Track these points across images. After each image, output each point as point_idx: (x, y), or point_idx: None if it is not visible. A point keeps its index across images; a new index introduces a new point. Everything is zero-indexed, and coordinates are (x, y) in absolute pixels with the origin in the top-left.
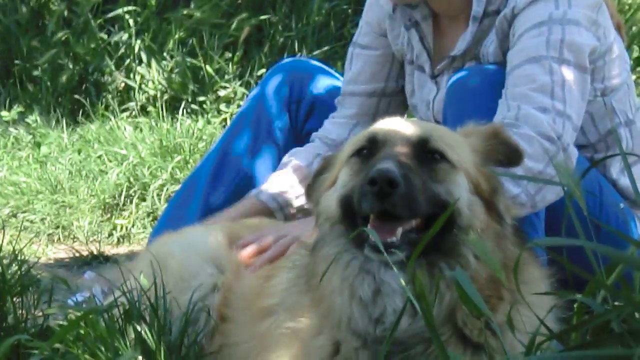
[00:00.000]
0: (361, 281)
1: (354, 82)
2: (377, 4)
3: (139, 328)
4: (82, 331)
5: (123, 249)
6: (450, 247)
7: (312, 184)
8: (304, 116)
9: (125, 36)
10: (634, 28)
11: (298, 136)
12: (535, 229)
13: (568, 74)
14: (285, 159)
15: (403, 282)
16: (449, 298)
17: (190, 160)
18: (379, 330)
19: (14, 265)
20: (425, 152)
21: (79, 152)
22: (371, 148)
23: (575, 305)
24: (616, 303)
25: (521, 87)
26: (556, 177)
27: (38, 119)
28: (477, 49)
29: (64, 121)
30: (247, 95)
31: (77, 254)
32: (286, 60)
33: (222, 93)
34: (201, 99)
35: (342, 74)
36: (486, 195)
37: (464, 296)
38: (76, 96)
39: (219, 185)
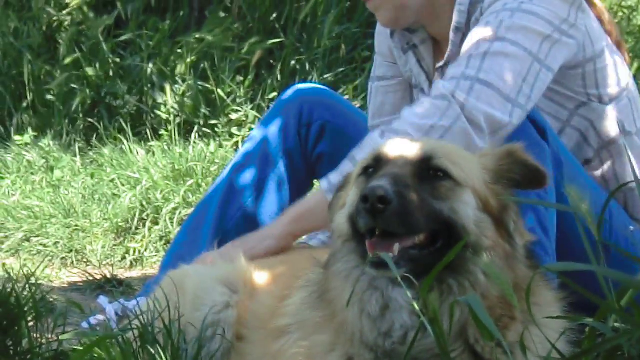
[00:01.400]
0: (370, 296)
1: (379, 115)
2: (385, 33)
3: (152, 352)
4: (96, 355)
5: (136, 273)
6: (458, 264)
7: (332, 202)
8: (314, 140)
9: (137, 60)
10: None
11: (308, 160)
12: (546, 251)
13: (499, 48)
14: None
15: (414, 304)
16: (460, 315)
17: (203, 184)
18: (387, 344)
19: (27, 289)
20: (428, 170)
21: (92, 176)
22: (376, 167)
23: (586, 330)
24: (627, 327)
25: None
26: (452, 126)
27: (51, 143)
28: None
29: (77, 145)
30: (258, 119)
31: (90, 278)
32: (296, 86)
33: (233, 116)
34: (213, 122)
35: (351, 100)
36: (496, 213)
37: (477, 320)
38: (89, 120)
39: (230, 210)
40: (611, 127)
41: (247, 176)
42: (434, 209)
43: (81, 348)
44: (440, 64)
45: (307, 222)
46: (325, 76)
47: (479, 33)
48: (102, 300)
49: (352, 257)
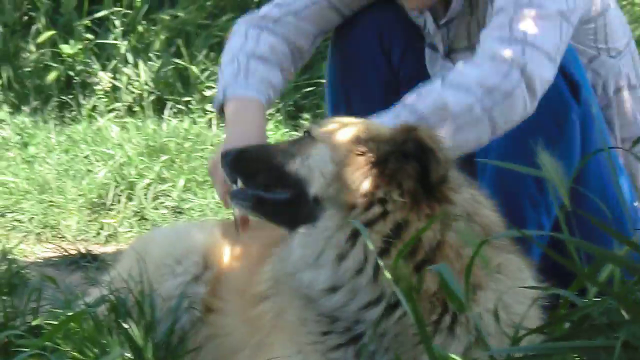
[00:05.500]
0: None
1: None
2: None
3: (125, 325)
4: (71, 329)
5: (111, 248)
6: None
7: None
8: None
9: (111, 37)
10: None
11: None
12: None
13: (535, 10)
14: None
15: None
16: None
17: (177, 160)
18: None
19: (2, 264)
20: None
21: (67, 152)
22: None
23: (560, 300)
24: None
25: None
26: (513, 90)
27: (26, 119)
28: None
29: (52, 122)
30: None
31: (65, 253)
32: None
33: (207, 93)
34: (187, 99)
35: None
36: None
37: (448, 290)
38: (63, 97)
39: None
40: (619, 80)
41: None
42: (272, 164)
43: (55, 322)
44: (444, 20)
45: None
46: None
47: None
48: None
49: None
